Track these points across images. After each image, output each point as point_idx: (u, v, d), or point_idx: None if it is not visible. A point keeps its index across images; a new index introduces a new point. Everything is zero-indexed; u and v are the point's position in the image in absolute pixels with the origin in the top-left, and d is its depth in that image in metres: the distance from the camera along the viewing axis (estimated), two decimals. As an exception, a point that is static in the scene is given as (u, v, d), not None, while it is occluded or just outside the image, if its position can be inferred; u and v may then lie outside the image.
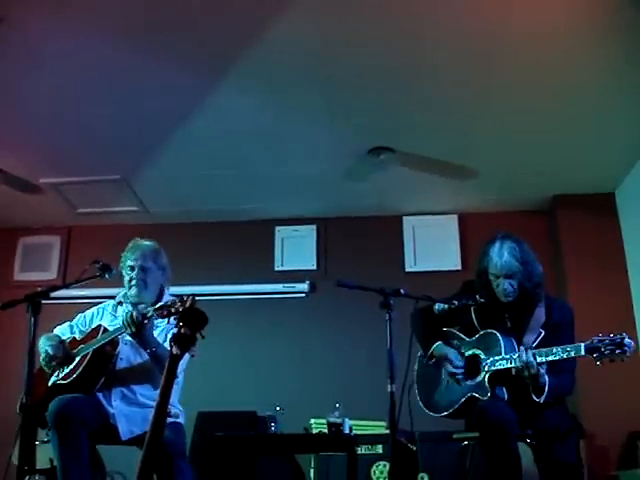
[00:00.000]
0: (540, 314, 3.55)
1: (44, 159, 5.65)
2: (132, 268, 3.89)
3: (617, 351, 3.06)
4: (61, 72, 4.48)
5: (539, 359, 3.29)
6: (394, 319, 3.35)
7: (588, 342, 3.16)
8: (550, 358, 3.28)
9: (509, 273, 3.49)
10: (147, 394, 3.72)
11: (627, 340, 3.07)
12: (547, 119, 4.98)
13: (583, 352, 3.15)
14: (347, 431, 4.30)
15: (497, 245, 3.56)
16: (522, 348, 3.36)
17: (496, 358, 3.43)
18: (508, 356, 3.39)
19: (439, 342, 3.70)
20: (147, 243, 4.00)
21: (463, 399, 3.51)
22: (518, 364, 3.30)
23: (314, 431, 4.93)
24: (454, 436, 3.79)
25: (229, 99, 4.78)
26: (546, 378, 3.30)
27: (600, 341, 3.11)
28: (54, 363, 3.73)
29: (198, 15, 3.97)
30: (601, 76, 4.47)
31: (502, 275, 3.51)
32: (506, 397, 3.42)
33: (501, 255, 3.51)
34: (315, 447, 4.67)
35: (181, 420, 3.78)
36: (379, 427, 5.10)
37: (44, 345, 3.74)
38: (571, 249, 6.05)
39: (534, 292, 3.55)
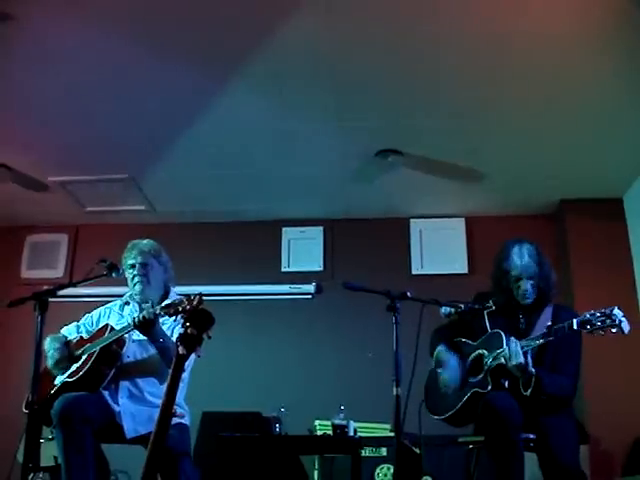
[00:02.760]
0: (547, 317, 3.58)
1: (52, 157, 5.66)
2: (133, 266, 3.92)
3: (607, 321, 3.14)
4: (70, 71, 4.48)
5: (534, 343, 3.36)
6: (400, 322, 3.35)
7: (581, 317, 3.23)
8: (543, 341, 3.35)
9: (531, 274, 3.59)
10: (154, 392, 3.72)
11: (616, 310, 3.14)
12: (555, 124, 4.97)
13: (576, 326, 3.22)
14: (351, 433, 4.31)
15: (517, 248, 3.66)
16: (511, 339, 3.38)
17: (497, 351, 3.45)
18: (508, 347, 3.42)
19: (441, 347, 3.77)
20: (145, 241, 4.02)
21: (466, 397, 3.52)
22: (505, 354, 3.33)
23: (318, 433, 4.93)
24: (459, 439, 3.80)
25: (238, 99, 4.78)
26: (533, 370, 3.31)
27: (592, 315, 3.19)
28: (60, 367, 3.74)
29: (208, 15, 3.97)
30: (610, 80, 4.45)
31: (524, 277, 3.59)
32: (507, 386, 3.44)
33: (522, 256, 3.61)
34: (319, 449, 4.68)
35: (186, 420, 3.79)
36: (384, 430, 5.10)
37: (50, 348, 3.75)
38: (578, 254, 6.03)
39: (549, 294, 3.65)
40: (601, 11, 3.85)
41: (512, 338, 3.37)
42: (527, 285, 3.59)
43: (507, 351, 3.32)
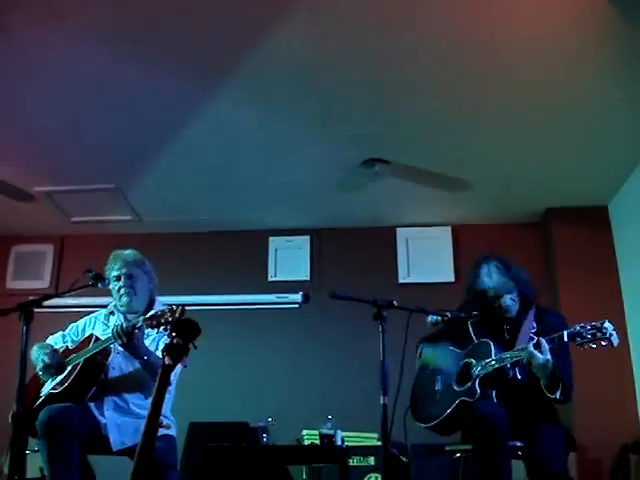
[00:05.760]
0: (530, 322, 3.60)
1: (38, 167, 5.64)
2: (118, 278, 3.88)
3: (598, 334, 3.13)
4: (57, 81, 4.47)
5: (522, 354, 3.34)
6: (387, 330, 3.35)
7: (571, 329, 3.23)
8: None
9: (509, 289, 3.62)
10: (140, 403, 3.70)
11: (607, 324, 3.14)
12: (540, 132, 4.99)
13: (566, 338, 3.22)
14: (339, 442, 4.29)
15: (485, 268, 3.69)
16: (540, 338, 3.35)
17: (486, 361, 3.46)
18: (497, 357, 3.43)
19: (426, 347, 3.81)
20: (128, 252, 3.99)
21: (454, 405, 3.53)
22: (527, 352, 3.30)
23: (306, 442, 4.91)
24: (446, 448, 3.79)
25: (224, 110, 4.78)
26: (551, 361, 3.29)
27: (582, 327, 3.19)
28: (50, 371, 3.72)
29: (195, 27, 3.98)
30: (594, 89, 4.48)
31: (503, 292, 3.62)
32: (494, 400, 3.45)
33: (491, 276, 3.64)
34: (307, 458, 4.65)
35: (173, 431, 3.77)
36: (371, 439, 5.09)
37: (39, 354, 3.73)
38: (564, 262, 6.06)
39: (530, 300, 3.68)
40: (584, 21, 3.87)
41: (540, 338, 3.32)
42: (508, 301, 3.63)
43: (532, 348, 3.28)
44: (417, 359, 3.86)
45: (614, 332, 3.13)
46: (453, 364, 3.69)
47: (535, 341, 3.31)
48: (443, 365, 3.71)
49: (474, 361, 3.55)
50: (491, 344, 3.51)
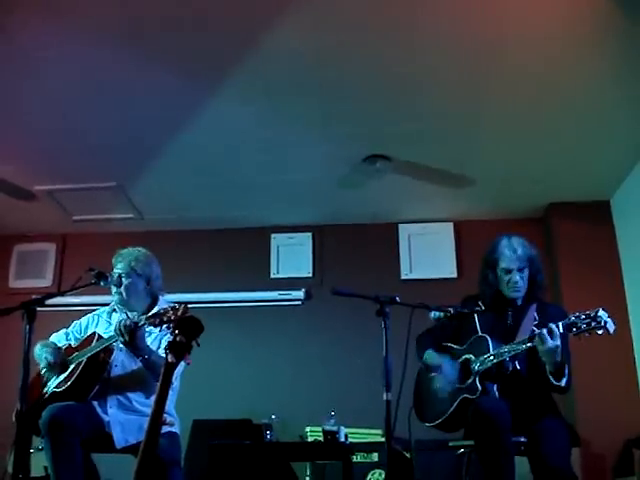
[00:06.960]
0: (532, 315, 3.59)
1: (39, 166, 5.64)
2: (118, 276, 3.89)
3: (593, 323, 3.13)
4: (58, 79, 4.47)
5: (520, 347, 3.35)
6: (390, 327, 3.35)
7: (566, 320, 3.23)
8: (530, 345, 3.33)
9: (522, 265, 3.61)
10: (143, 401, 3.71)
11: (601, 312, 3.14)
12: (543, 128, 4.99)
13: (562, 329, 3.22)
14: (342, 439, 4.30)
15: (505, 241, 3.69)
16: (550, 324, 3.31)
17: (485, 356, 3.46)
18: (496, 352, 3.42)
19: (430, 350, 3.77)
20: (130, 251, 3.99)
21: (456, 403, 3.52)
22: (538, 336, 3.27)
23: (309, 439, 4.92)
24: (450, 444, 3.79)
25: (225, 107, 4.78)
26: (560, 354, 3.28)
27: (577, 317, 3.19)
28: (54, 369, 3.72)
29: (195, 25, 3.98)
30: (596, 85, 4.48)
31: (515, 268, 3.61)
32: (497, 395, 3.45)
33: (512, 249, 3.63)
34: (311, 455, 4.66)
35: (176, 428, 3.77)
36: (375, 435, 5.10)
37: (42, 352, 3.73)
38: (566, 257, 6.05)
39: (537, 289, 3.67)
40: (585, 16, 3.87)
41: (551, 324, 3.28)
42: (517, 277, 3.60)
43: (545, 332, 3.24)
44: (417, 358, 3.84)
45: (609, 319, 3.13)
46: (453, 368, 3.68)
47: (547, 328, 3.25)
48: (444, 368, 3.70)
49: (473, 357, 3.54)
50: (488, 339, 3.50)
